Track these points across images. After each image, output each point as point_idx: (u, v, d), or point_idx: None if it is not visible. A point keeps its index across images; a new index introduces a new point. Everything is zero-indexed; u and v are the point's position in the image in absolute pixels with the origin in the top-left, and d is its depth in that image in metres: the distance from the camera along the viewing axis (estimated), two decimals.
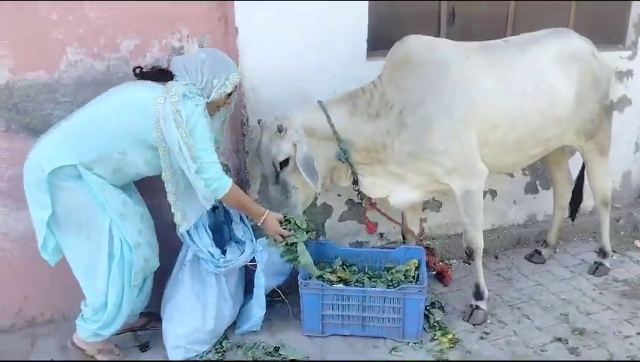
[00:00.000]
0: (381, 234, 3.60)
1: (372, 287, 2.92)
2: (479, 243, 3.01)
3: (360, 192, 3.02)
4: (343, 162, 2.85)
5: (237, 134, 3.14)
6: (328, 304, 2.86)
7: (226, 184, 2.52)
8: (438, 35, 3.52)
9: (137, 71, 2.54)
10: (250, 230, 2.94)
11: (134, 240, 2.51)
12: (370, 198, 3.12)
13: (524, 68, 2.94)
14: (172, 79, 2.49)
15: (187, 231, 2.76)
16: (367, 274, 3.10)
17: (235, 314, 2.95)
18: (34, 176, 2.36)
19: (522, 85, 2.90)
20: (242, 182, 3.18)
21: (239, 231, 2.92)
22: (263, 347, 2.83)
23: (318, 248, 3.12)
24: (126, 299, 2.58)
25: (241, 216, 2.96)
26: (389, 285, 2.98)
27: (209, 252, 2.73)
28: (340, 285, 2.92)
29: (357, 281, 3.01)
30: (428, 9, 3.51)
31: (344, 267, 3.12)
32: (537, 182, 3.99)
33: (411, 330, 2.87)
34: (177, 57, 2.62)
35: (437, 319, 3.03)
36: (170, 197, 2.56)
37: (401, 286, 2.84)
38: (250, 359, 2.74)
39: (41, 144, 2.41)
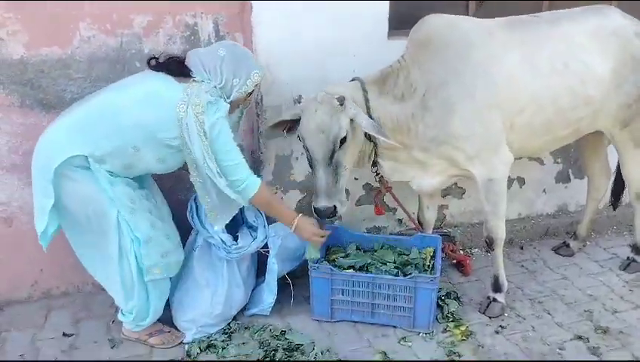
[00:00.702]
0: (400, 220, 3.50)
1: (383, 274, 2.84)
2: (501, 234, 2.88)
3: (378, 174, 2.91)
4: (372, 141, 2.73)
5: (251, 114, 3.08)
6: (338, 289, 2.81)
7: (254, 184, 2.46)
8: (466, 14, 3.34)
9: (153, 62, 2.42)
10: (263, 215, 2.90)
11: (145, 234, 2.45)
12: (386, 182, 3.01)
13: (553, 44, 2.76)
14: (189, 74, 2.39)
15: (198, 217, 2.74)
16: (379, 260, 2.98)
17: (246, 298, 2.93)
18: (41, 163, 2.34)
19: (550, 62, 2.73)
20: (256, 163, 3.13)
21: (251, 216, 2.90)
22: (270, 330, 2.80)
23: (334, 233, 3.01)
24: (153, 292, 2.58)
25: None
26: (402, 273, 2.87)
27: (220, 238, 2.70)
28: (350, 270, 2.85)
29: (368, 266, 2.92)
30: None
31: (359, 250, 3.05)
32: (570, 171, 3.78)
33: (422, 320, 2.79)
34: (194, 52, 2.47)
35: (451, 310, 2.93)
36: (201, 200, 2.54)
37: (412, 275, 2.76)
38: (257, 341, 2.72)
39: (53, 130, 2.36)
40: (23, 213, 2.85)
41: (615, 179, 3.45)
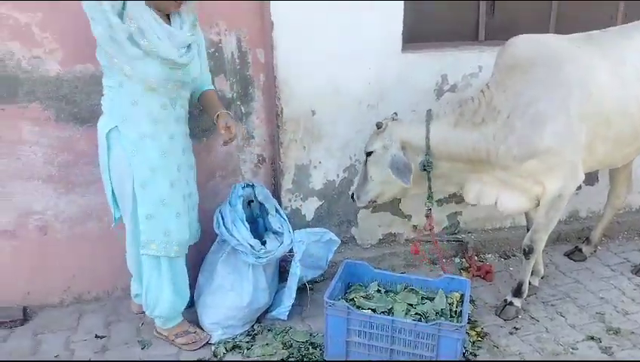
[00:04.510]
0: (415, 226, 3.61)
1: (404, 317, 2.63)
2: (541, 246, 2.96)
3: (430, 210, 2.99)
4: (427, 171, 2.84)
5: (272, 126, 3.23)
6: (354, 330, 2.60)
7: None
8: (476, 26, 3.48)
9: None
10: (287, 221, 3.02)
11: (150, 209, 2.51)
12: (431, 221, 3.05)
13: (633, 55, 2.82)
14: None
15: (225, 227, 2.83)
16: (402, 303, 2.75)
17: (270, 301, 3.03)
18: (100, 144, 2.52)
19: (635, 73, 2.79)
20: (276, 172, 3.27)
21: (276, 223, 3.00)
22: (291, 332, 2.90)
23: (354, 269, 2.95)
24: (152, 272, 2.63)
25: (276, 208, 3.04)
26: (424, 318, 2.67)
27: (249, 244, 2.79)
28: (368, 311, 2.66)
29: (390, 311, 2.70)
30: (467, 3, 3.47)
31: (380, 291, 2.85)
32: None
33: None
34: None
35: (467, 313, 3.01)
36: None
37: (436, 321, 2.51)
38: (280, 342, 2.83)
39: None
40: (58, 221, 2.99)
41: None
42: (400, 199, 3.40)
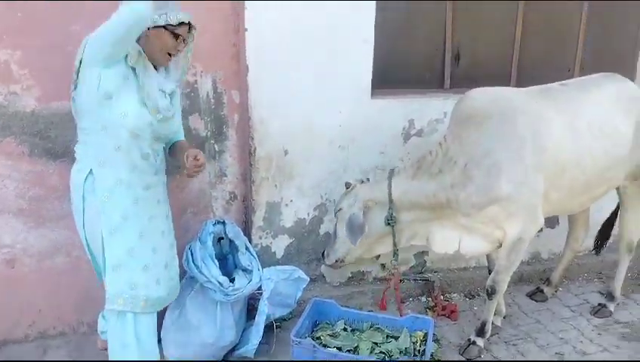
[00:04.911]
0: (383, 265, 3.67)
1: (371, 356, 2.74)
2: (503, 287, 3.04)
3: (396, 268, 3.06)
4: (391, 225, 2.91)
5: (245, 164, 3.31)
6: None
7: None
8: (442, 74, 3.65)
9: None
10: (257, 259, 3.06)
11: (116, 259, 2.36)
12: (399, 277, 3.15)
13: (589, 110, 2.96)
14: None
15: (194, 264, 2.86)
16: (367, 342, 2.85)
17: (237, 339, 3.04)
18: (74, 194, 2.41)
19: (589, 127, 2.91)
20: (248, 209, 3.33)
21: (245, 260, 3.04)
22: None
23: (321, 307, 3.05)
24: (125, 332, 2.42)
25: (246, 246, 3.09)
26: (388, 357, 2.77)
27: (218, 281, 2.82)
28: (334, 349, 2.76)
29: (355, 350, 2.79)
30: (433, 47, 3.64)
31: (346, 330, 2.98)
32: None
33: None
34: None
35: (431, 351, 3.08)
36: None
37: (399, 360, 2.68)
38: None
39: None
40: (26, 255, 2.99)
41: (603, 226, 3.69)
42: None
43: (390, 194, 2.89)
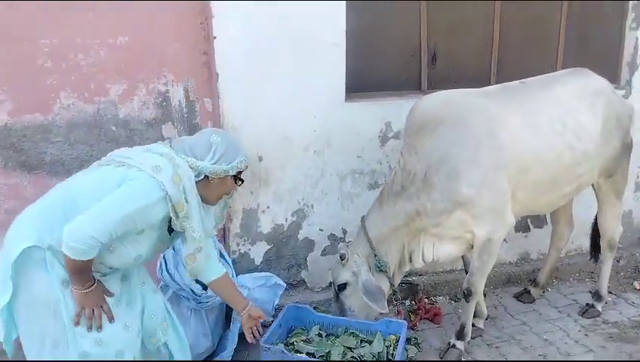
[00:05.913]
0: None
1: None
2: (480, 288, 3.01)
3: (397, 305, 3.11)
4: (383, 270, 2.92)
5: None
6: None
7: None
8: (419, 76, 3.63)
9: None
10: (231, 266, 3.06)
11: (80, 352, 2.06)
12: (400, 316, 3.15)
13: (549, 106, 2.92)
14: None
15: (167, 271, 2.86)
16: (341, 347, 2.79)
17: (213, 346, 3.04)
18: (4, 254, 2.03)
19: (550, 123, 2.87)
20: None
21: None
22: None
23: (296, 313, 3.00)
24: None
25: (220, 253, 3.07)
26: (361, 361, 2.72)
27: (191, 289, 2.82)
28: (304, 355, 2.71)
29: (327, 355, 2.73)
30: (409, 49, 3.61)
31: (321, 335, 2.90)
32: (529, 220, 3.96)
33: None
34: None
35: (410, 355, 3.05)
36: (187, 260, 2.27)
37: None
38: None
39: (20, 217, 2.13)
40: None
41: (593, 231, 3.61)
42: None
43: (369, 238, 2.88)
